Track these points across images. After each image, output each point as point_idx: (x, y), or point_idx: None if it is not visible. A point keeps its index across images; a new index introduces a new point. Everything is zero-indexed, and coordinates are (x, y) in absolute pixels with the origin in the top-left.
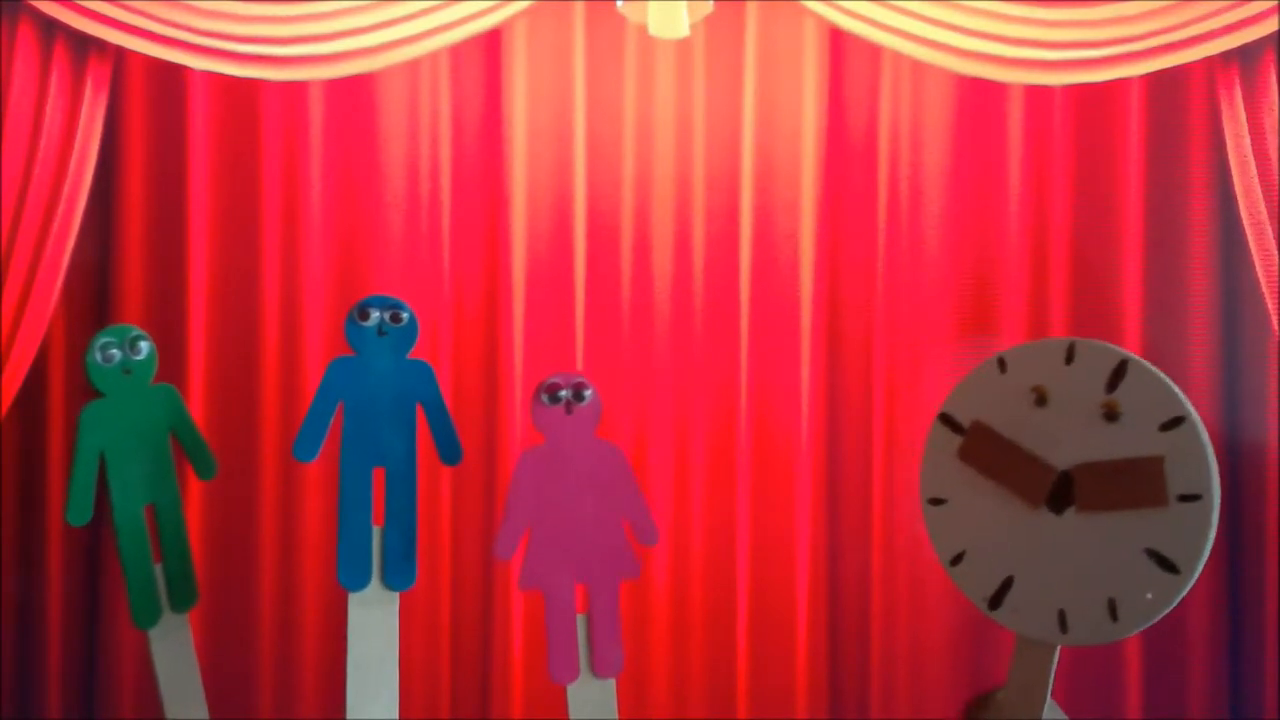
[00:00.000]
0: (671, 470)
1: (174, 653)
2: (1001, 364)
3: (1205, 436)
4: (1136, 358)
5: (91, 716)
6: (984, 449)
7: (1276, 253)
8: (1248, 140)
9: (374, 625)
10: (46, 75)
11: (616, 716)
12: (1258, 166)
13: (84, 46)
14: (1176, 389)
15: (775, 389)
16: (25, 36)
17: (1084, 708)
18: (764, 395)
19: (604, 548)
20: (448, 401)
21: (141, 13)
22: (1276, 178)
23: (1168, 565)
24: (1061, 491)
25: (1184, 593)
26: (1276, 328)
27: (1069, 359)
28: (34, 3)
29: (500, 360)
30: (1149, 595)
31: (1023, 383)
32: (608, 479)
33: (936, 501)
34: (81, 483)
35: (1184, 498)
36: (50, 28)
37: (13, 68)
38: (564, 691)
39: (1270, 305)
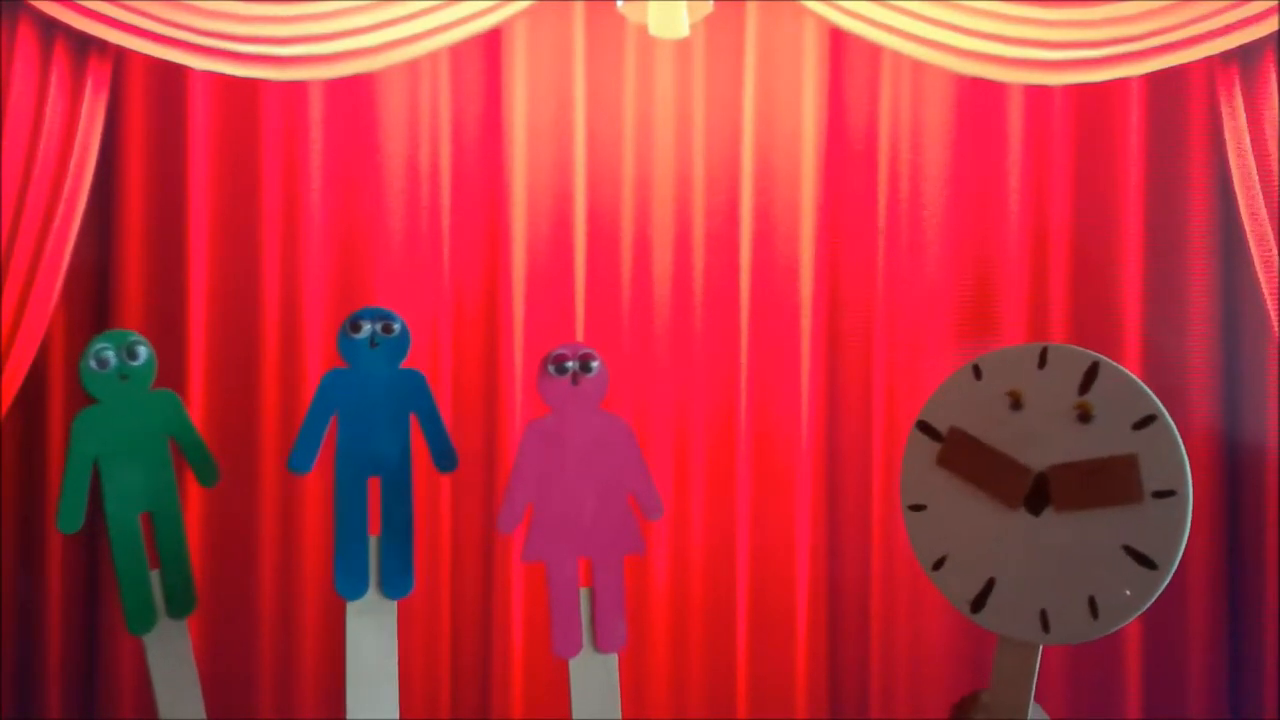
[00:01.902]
0: (671, 470)
1: (171, 658)
2: (977, 371)
3: (1176, 433)
4: (1107, 359)
5: (91, 716)
6: (962, 454)
7: (1276, 253)
8: (1248, 140)
9: (372, 633)
10: (46, 75)
11: (618, 692)
12: (1258, 166)
13: (84, 46)
14: (1146, 388)
15: (775, 389)
16: (25, 36)
17: (1084, 708)
18: (764, 395)
19: (608, 522)
20: (447, 402)
21: (141, 13)
22: (1276, 178)
23: (1145, 561)
24: (1039, 493)
25: (1162, 588)
26: (1276, 328)
27: (1042, 363)
28: (34, 3)
29: (500, 360)
30: (1128, 592)
31: (998, 388)
32: (612, 452)
33: (916, 508)
34: (72, 490)
35: (1158, 494)
36: (50, 28)
37: (13, 68)
38: (566, 682)
39: (1270, 305)
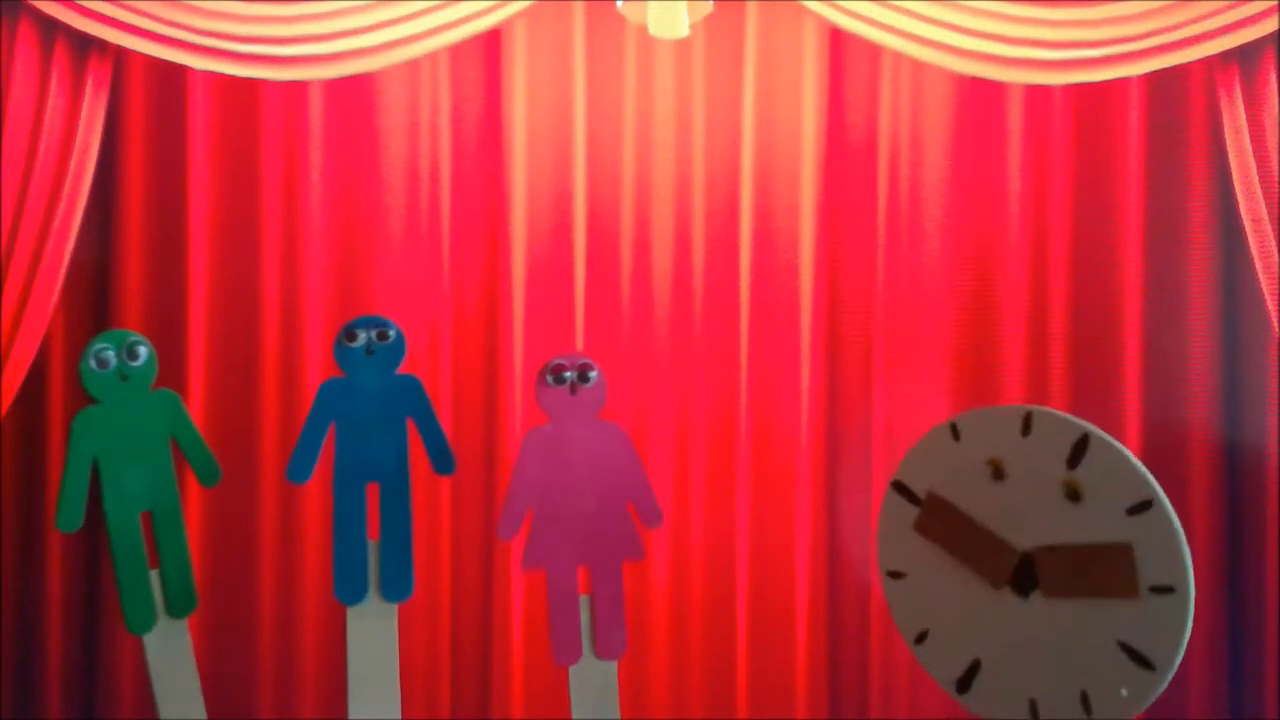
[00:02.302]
0: (671, 470)
1: (171, 658)
2: (955, 431)
3: (1176, 522)
4: (1098, 431)
5: (92, 716)
6: (941, 523)
7: (1276, 252)
8: (1248, 140)
9: (373, 637)
10: (46, 75)
11: (617, 699)
12: (1258, 166)
13: (84, 46)
14: (1142, 468)
15: (775, 389)
16: (25, 36)
17: None
18: (764, 395)
19: (607, 529)
20: (447, 404)
21: (141, 13)
22: (1276, 177)
23: (1142, 661)
24: (1025, 573)
25: (1161, 690)
26: (1276, 328)
27: (1026, 430)
28: (34, 3)
29: (500, 360)
30: (1124, 692)
31: (978, 453)
32: (611, 460)
33: (895, 575)
34: (72, 490)
35: (1156, 589)
36: (50, 28)
37: (13, 68)
38: (565, 681)
39: (1270, 305)
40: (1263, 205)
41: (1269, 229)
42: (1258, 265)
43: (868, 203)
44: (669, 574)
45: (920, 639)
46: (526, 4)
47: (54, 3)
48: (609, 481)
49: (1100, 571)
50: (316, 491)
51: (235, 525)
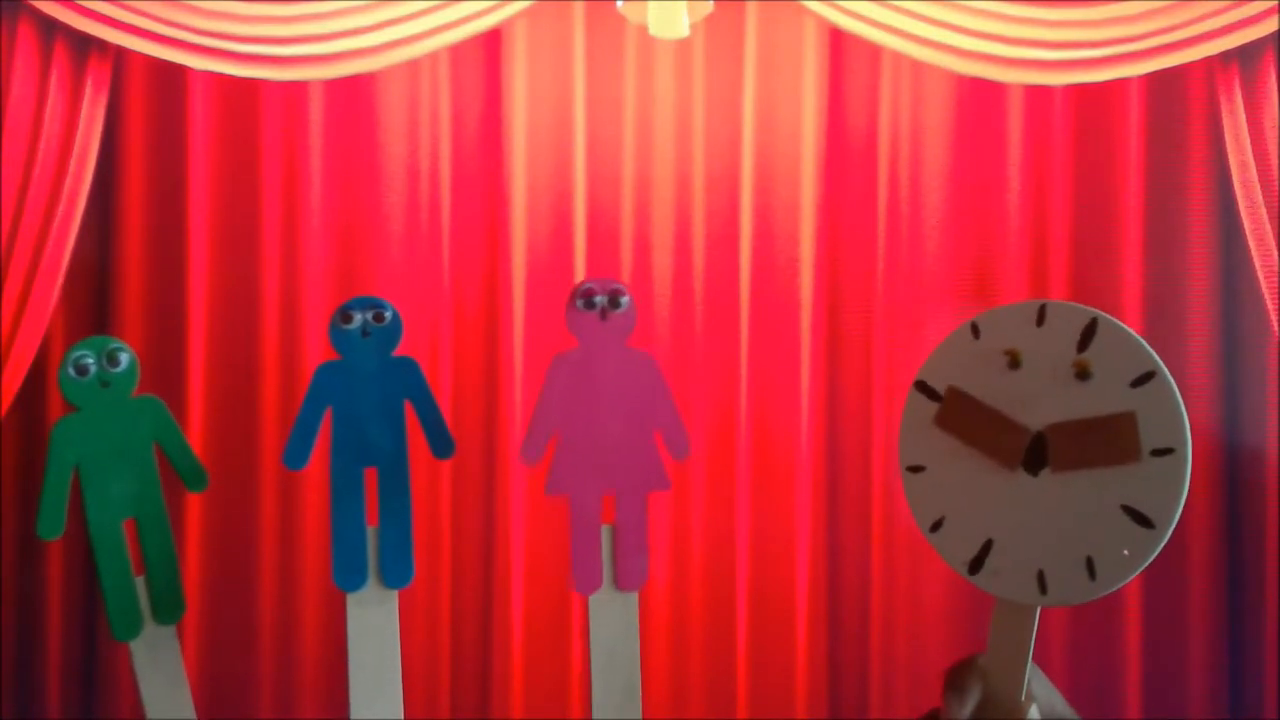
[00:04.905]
0: (671, 471)
1: (158, 664)
2: (975, 329)
3: (1175, 390)
4: (1105, 315)
5: (91, 717)
6: (960, 414)
7: (1276, 253)
8: (1248, 140)
9: (374, 625)
10: (46, 75)
11: (637, 630)
12: (1258, 166)
13: (84, 46)
14: (1145, 345)
15: (775, 389)
16: (25, 36)
17: (1084, 708)
18: (764, 395)
19: (633, 458)
20: (448, 402)
21: (141, 13)
22: (1276, 177)
23: (1144, 521)
24: (1037, 453)
25: (1160, 548)
26: (1276, 328)
27: (1040, 321)
28: (34, 3)
29: (500, 360)
30: (1126, 552)
31: (996, 347)
32: (640, 389)
33: (915, 469)
34: (52, 498)
35: (1156, 452)
36: (50, 28)
37: (13, 68)
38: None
39: (1270, 305)
40: (1263, 205)
41: (1269, 229)
42: (1258, 265)
43: (868, 202)
44: (669, 574)
45: (936, 526)
46: (526, 4)
47: (54, 3)
48: (637, 410)
49: (1106, 440)
50: (317, 492)
51: (235, 527)
